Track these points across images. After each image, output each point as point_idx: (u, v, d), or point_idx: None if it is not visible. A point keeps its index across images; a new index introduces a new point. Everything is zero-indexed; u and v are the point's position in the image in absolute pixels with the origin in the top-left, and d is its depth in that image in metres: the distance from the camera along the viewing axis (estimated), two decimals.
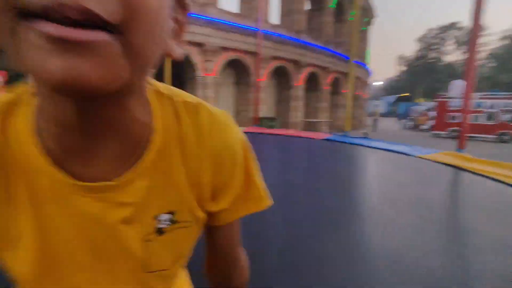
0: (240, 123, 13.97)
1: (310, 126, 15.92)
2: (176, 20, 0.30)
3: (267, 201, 0.43)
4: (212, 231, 0.42)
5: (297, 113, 15.57)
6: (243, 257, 0.48)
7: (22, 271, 0.33)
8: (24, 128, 0.30)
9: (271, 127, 12.65)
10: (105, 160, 0.31)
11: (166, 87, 0.37)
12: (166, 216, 0.35)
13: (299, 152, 4.64)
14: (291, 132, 6.80)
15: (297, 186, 2.55)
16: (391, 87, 58.84)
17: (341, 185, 2.65)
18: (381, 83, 61.01)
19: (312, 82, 16.54)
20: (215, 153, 0.36)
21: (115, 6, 0.20)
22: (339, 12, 18.24)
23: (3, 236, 0.32)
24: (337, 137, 5.76)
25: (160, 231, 0.35)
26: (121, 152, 0.31)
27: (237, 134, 0.38)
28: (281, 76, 15.46)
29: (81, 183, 0.31)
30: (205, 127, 0.36)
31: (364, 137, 5.78)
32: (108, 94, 0.23)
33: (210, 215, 0.40)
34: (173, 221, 0.36)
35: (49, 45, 0.20)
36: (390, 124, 25.25)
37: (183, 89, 0.39)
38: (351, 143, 5.22)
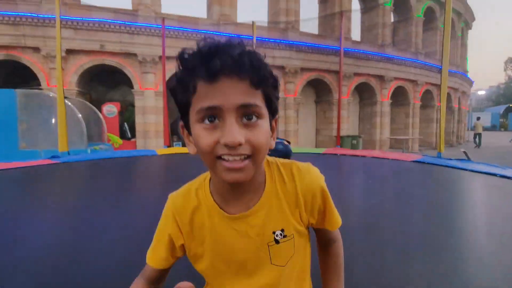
0: (321, 143, 13.85)
1: (398, 144, 14.81)
2: (271, 126, 0.58)
3: (339, 224, 0.67)
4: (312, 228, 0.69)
5: (383, 130, 14.68)
6: (338, 236, 0.72)
7: (203, 269, 0.65)
8: (207, 191, 0.63)
9: (354, 145, 12.20)
10: (242, 203, 0.60)
11: (271, 158, 0.65)
12: (279, 232, 0.61)
13: (384, 176, 4.43)
14: (376, 153, 6.47)
15: (383, 213, 2.49)
16: (498, 96, 50.79)
17: (432, 213, 2.47)
18: (484, 92, 53.14)
19: (400, 97, 15.47)
20: (303, 192, 0.61)
21: (250, 149, 0.50)
22: (429, 20, 16.86)
23: (196, 255, 0.65)
24: (430, 159, 5.27)
25: (277, 241, 0.61)
26: (250, 198, 0.60)
27: (315, 179, 0.63)
28: (364, 92, 14.90)
29: (231, 215, 0.60)
30: (296, 177, 0.62)
31: (464, 159, 5.17)
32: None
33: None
34: (283, 235, 0.61)
35: (227, 169, 0.50)
36: (499, 140, 21.71)
37: None
38: (446, 166, 4.73)
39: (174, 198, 0.67)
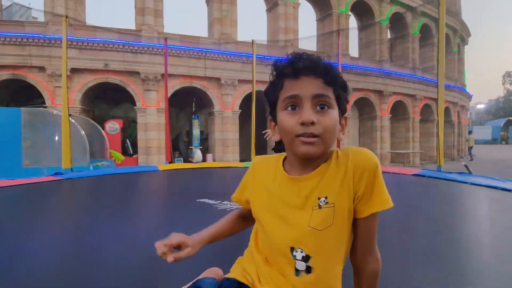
0: None
1: (399, 158, 14.82)
2: (341, 124, 0.74)
3: (388, 205, 0.70)
4: (356, 223, 0.72)
5: (383, 145, 14.73)
6: (377, 251, 0.75)
7: (255, 213, 0.82)
8: (280, 162, 0.80)
9: None
10: (303, 170, 0.73)
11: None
12: (323, 198, 0.70)
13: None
14: None
15: (384, 225, 2.51)
16: (497, 109, 51.00)
17: (432, 226, 2.50)
18: (483, 106, 53.44)
19: (399, 111, 15.61)
20: (353, 167, 0.69)
21: (320, 130, 0.66)
22: (425, 36, 17.22)
23: (253, 201, 0.82)
24: (429, 172, 5.30)
25: (319, 206, 0.70)
26: (310, 169, 0.72)
27: (367, 158, 0.70)
28: (364, 107, 15.05)
29: (290, 176, 0.74)
30: (350, 156, 0.71)
31: (464, 172, 5.20)
32: (315, 157, 0.70)
33: (355, 208, 0.71)
34: (326, 202, 0.70)
35: (302, 143, 0.66)
36: (500, 153, 21.68)
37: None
38: (447, 179, 4.76)
39: (257, 158, 0.88)
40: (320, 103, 0.67)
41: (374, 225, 0.72)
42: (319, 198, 0.70)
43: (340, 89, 0.71)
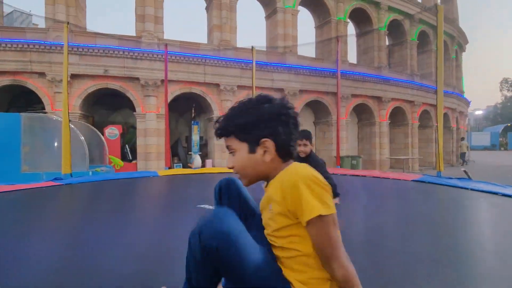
0: None
1: (398, 164, 14.83)
2: (254, 149, 0.90)
3: (313, 213, 0.75)
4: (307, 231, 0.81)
5: (382, 150, 14.75)
6: (343, 258, 0.78)
7: None
8: None
9: (354, 166, 12.22)
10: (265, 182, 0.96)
11: (297, 164, 0.89)
12: (270, 205, 0.87)
13: (386, 195, 4.44)
14: (375, 173, 6.50)
15: (385, 231, 2.50)
16: (496, 115, 51.29)
17: (433, 231, 2.49)
18: (481, 112, 53.76)
19: (398, 117, 15.66)
20: (282, 186, 0.82)
21: (236, 170, 0.96)
22: (423, 43, 17.37)
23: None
24: (430, 178, 5.30)
25: (270, 211, 0.88)
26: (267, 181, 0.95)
27: (288, 178, 0.81)
28: (362, 113, 15.10)
29: (265, 187, 0.96)
30: (283, 173, 0.87)
31: (463, 178, 5.20)
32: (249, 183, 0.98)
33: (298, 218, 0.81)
34: (271, 209, 0.87)
35: None
36: (500, 159, 21.73)
37: None
38: (446, 185, 4.75)
39: None
40: (229, 151, 0.94)
41: (322, 233, 0.77)
42: (269, 204, 0.89)
43: (240, 133, 0.90)
